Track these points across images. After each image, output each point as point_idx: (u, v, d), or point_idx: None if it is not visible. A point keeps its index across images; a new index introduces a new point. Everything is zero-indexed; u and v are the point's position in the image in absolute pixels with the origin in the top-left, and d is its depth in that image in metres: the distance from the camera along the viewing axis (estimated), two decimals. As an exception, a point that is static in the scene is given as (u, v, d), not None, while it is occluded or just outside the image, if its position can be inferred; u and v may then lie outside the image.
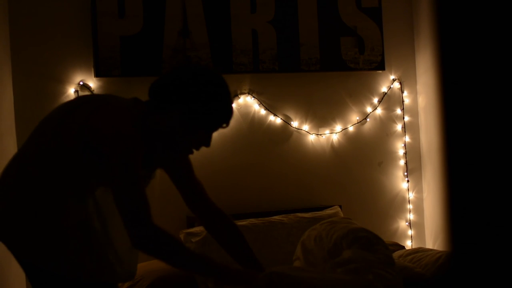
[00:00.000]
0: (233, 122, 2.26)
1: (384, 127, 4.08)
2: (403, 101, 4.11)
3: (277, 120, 3.88)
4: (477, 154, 0.79)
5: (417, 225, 4.13)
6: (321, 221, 2.79)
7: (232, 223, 2.20)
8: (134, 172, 1.79)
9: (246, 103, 3.83)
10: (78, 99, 2.00)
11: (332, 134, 3.97)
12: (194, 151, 2.02)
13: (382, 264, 2.27)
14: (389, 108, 4.09)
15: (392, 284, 2.18)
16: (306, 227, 3.16)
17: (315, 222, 3.32)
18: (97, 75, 3.56)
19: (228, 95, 1.98)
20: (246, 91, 3.83)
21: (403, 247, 3.59)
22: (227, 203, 2.29)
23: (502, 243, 0.77)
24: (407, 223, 4.10)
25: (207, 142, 2.00)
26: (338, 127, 3.98)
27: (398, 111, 4.10)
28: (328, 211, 3.73)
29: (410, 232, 4.10)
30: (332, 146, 3.97)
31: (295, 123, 3.91)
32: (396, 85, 4.10)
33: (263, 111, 3.86)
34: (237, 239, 2.18)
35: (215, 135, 2.10)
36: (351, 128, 4.00)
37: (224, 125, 1.98)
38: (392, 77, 4.10)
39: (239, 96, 3.81)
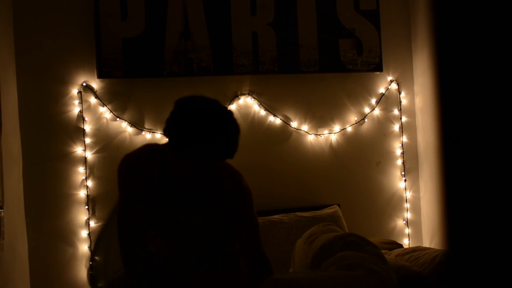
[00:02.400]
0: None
1: (382, 128, 4.11)
2: (400, 102, 4.14)
3: (276, 121, 3.92)
4: (473, 154, 0.79)
5: (414, 223, 4.17)
6: (303, 235, 2.84)
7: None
8: (125, 204, 2.04)
9: (246, 104, 3.86)
10: None
11: (331, 135, 4.00)
12: None
13: (375, 260, 2.29)
14: (386, 109, 4.12)
15: (385, 279, 2.19)
16: (306, 226, 3.20)
17: (315, 221, 3.36)
18: (100, 76, 3.59)
19: (214, 132, 1.98)
20: (246, 92, 3.86)
21: (401, 246, 3.62)
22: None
23: (499, 242, 0.77)
24: (404, 222, 4.14)
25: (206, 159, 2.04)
26: (337, 128, 4.01)
27: (396, 111, 4.14)
28: (327, 210, 3.75)
29: (407, 230, 4.14)
30: (330, 146, 4.01)
31: (294, 124, 3.94)
32: (394, 86, 4.14)
33: (263, 112, 3.89)
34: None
35: None
36: (349, 129, 4.04)
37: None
38: (389, 78, 4.14)
39: (239, 97, 3.85)
